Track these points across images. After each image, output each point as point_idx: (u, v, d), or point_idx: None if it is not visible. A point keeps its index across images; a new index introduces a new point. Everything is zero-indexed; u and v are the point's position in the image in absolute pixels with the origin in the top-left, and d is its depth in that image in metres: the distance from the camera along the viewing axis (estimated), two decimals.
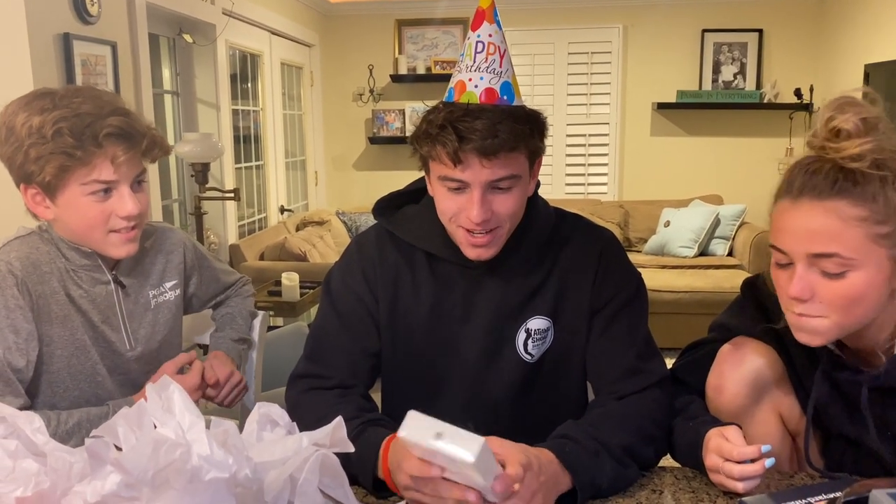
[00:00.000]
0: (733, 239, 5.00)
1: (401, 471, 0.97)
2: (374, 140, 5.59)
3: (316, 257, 4.25)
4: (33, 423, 0.86)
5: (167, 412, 0.82)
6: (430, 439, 0.82)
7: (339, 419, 0.90)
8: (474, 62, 1.15)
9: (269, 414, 0.97)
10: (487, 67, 1.14)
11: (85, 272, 1.36)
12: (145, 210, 1.35)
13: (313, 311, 3.47)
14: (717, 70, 5.32)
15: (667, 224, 5.08)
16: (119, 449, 0.80)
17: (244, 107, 4.47)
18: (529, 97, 5.29)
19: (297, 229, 4.75)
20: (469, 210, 1.14)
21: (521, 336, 1.26)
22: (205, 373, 1.46)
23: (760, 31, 5.23)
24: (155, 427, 0.81)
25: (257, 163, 4.69)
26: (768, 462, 1.02)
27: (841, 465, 1.13)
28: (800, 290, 1.00)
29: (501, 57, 1.15)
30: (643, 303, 1.28)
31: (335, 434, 0.88)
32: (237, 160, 4.33)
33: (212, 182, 3.61)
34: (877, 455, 1.08)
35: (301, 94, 5.43)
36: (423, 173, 1.25)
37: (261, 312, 1.74)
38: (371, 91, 5.62)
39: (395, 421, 1.16)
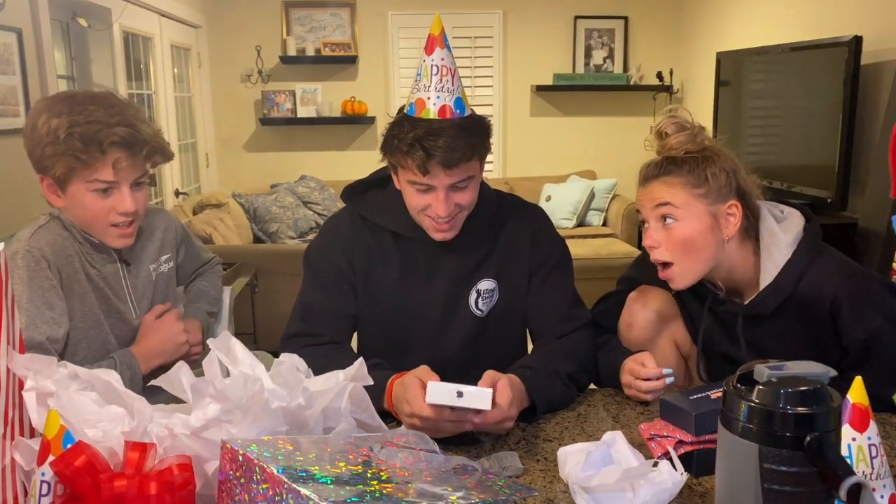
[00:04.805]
0: (607, 210, 5.51)
1: (408, 408, 1.22)
2: (265, 121, 5.66)
3: (219, 240, 4.32)
4: (112, 376, 1.04)
5: (233, 359, 1.03)
6: (453, 401, 1.16)
7: (360, 360, 1.13)
8: (430, 83, 1.40)
9: (292, 363, 1.19)
10: (442, 87, 1.40)
11: (97, 253, 1.54)
12: (142, 208, 1.52)
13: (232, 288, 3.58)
14: (588, 54, 5.78)
15: (548, 199, 5.51)
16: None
17: (138, 91, 4.45)
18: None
19: (195, 213, 4.76)
20: (436, 207, 1.41)
21: (473, 295, 1.54)
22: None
23: (626, 19, 5.73)
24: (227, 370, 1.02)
25: None
26: (668, 379, 1.36)
27: (720, 378, 1.49)
28: (650, 240, 1.40)
29: (453, 77, 1.41)
30: (570, 263, 1.62)
31: (359, 371, 1.12)
32: None
33: None
34: None
35: (189, 76, 5.41)
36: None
37: (228, 288, 1.93)
38: (259, 72, 5.68)
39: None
